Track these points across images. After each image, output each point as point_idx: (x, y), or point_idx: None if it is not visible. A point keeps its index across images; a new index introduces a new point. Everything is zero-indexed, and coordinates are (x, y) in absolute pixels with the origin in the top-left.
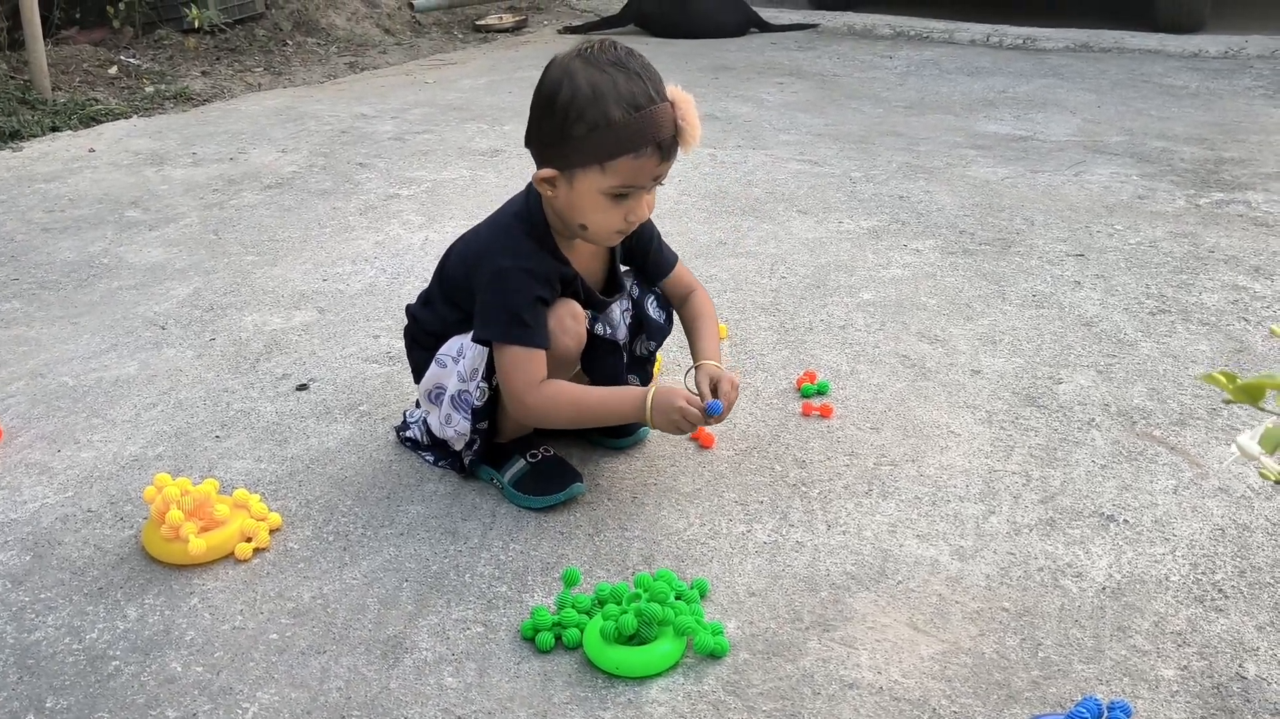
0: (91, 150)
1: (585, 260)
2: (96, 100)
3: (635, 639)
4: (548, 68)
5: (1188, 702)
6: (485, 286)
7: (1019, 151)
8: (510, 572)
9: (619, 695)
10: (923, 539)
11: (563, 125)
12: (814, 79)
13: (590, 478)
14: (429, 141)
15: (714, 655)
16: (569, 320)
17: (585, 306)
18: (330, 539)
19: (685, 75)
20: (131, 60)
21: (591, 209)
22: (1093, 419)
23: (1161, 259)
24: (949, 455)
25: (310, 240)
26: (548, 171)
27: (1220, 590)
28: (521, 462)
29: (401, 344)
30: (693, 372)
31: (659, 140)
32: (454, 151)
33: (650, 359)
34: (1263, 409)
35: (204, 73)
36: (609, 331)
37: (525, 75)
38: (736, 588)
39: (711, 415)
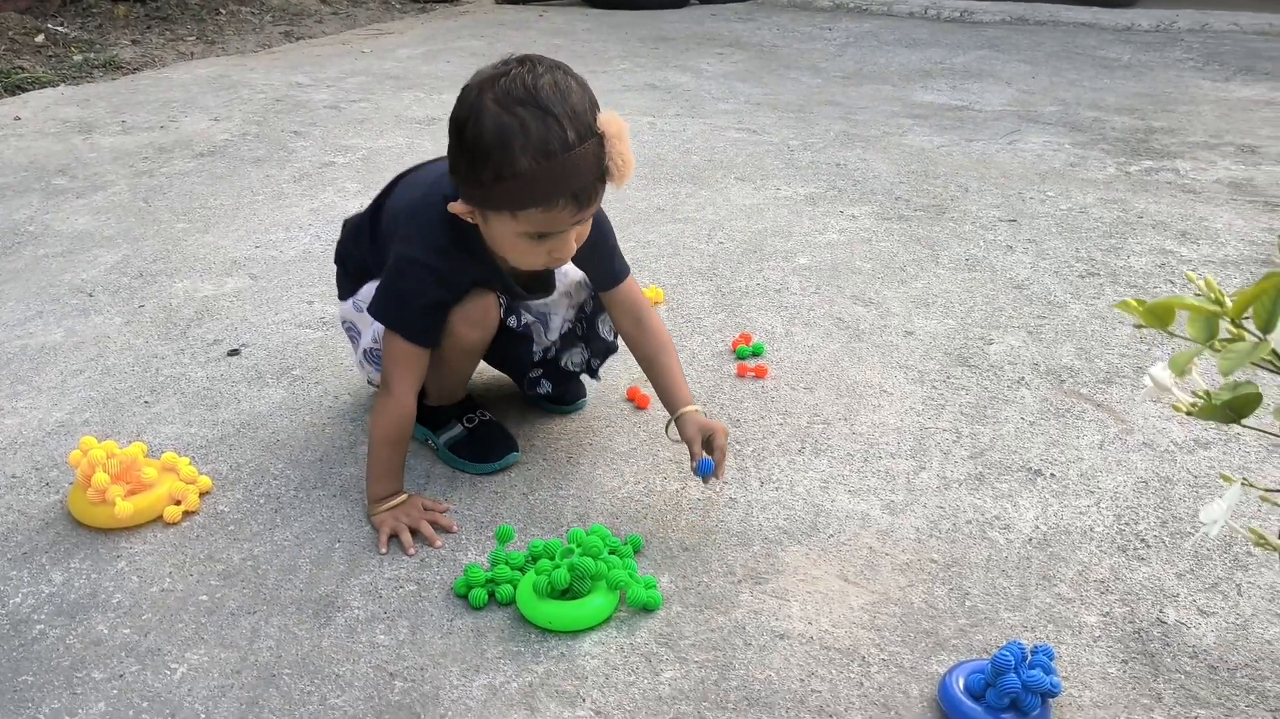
0: (17, 118)
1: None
2: (23, 69)
3: (568, 594)
4: (460, 94)
5: (1109, 646)
6: (390, 268)
7: (955, 121)
8: (444, 530)
9: (552, 649)
10: (854, 494)
11: (470, 166)
12: (753, 49)
13: (526, 439)
14: (365, 110)
15: (647, 609)
16: (477, 313)
17: (508, 294)
18: (261, 501)
19: (625, 46)
20: (59, 28)
21: (510, 248)
22: (1022, 378)
23: (1092, 224)
24: (881, 414)
25: (243, 208)
26: (462, 207)
27: (1143, 540)
28: (459, 426)
29: (337, 310)
30: (673, 424)
31: (574, 190)
32: (390, 120)
33: (576, 375)
34: (1172, 334)
35: (134, 41)
36: (523, 325)
37: (464, 45)
38: (670, 543)
39: (704, 475)
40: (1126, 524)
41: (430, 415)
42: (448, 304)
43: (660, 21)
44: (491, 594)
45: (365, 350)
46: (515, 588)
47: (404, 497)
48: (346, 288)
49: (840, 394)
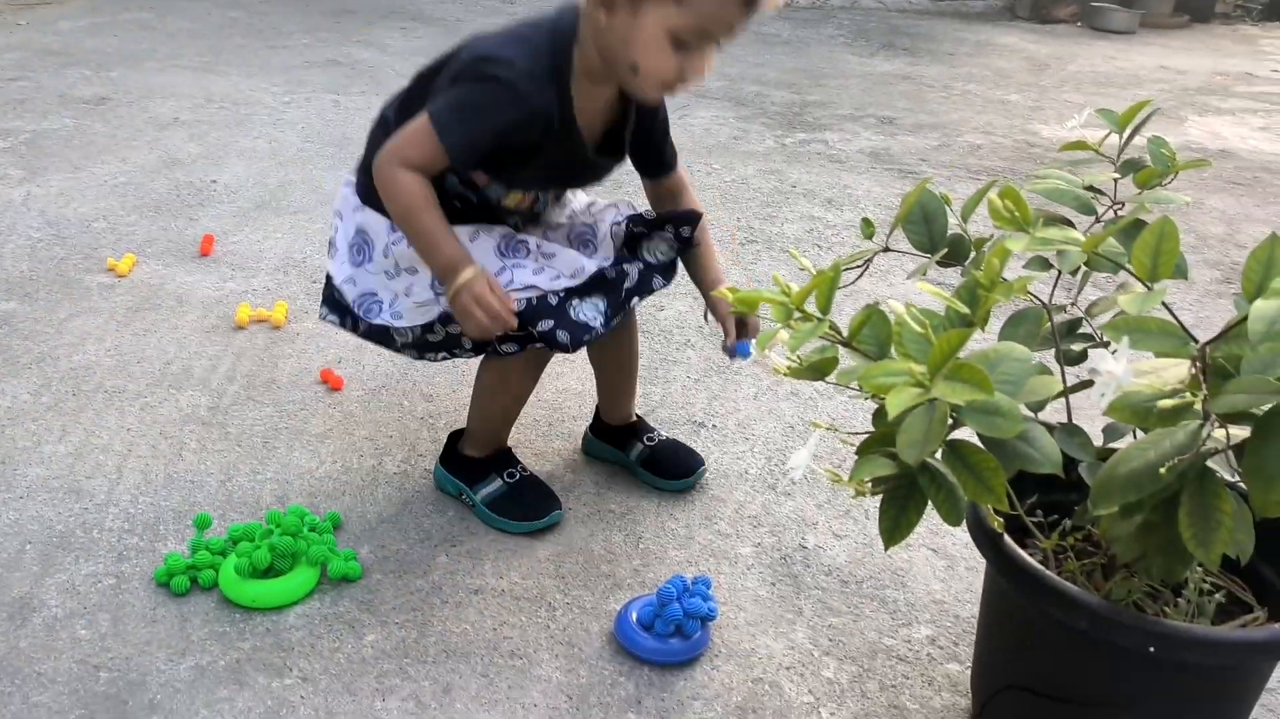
0: None
1: (589, 111)
2: None
3: (270, 572)
4: None
5: (760, 572)
6: (461, 74)
7: None
8: (141, 523)
9: (257, 626)
10: (540, 456)
11: None
12: (437, 24)
13: (220, 425)
14: (24, 89)
15: (348, 579)
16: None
17: (567, 164)
18: None
19: (305, 20)
20: None
21: (649, 49)
22: (688, 340)
23: (751, 194)
24: (564, 380)
25: None
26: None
27: (788, 478)
28: (499, 481)
29: (6, 306)
30: (708, 310)
31: None
32: (54, 100)
33: (667, 262)
34: (760, 317)
35: None
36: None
37: (132, 17)
38: (368, 516)
39: (739, 357)
40: (776, 465)
41: (466, 467)
42: (506, 135)
43: None
44: (194, 580)
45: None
46: (217, 572)
47: (474, 269)
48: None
49: None
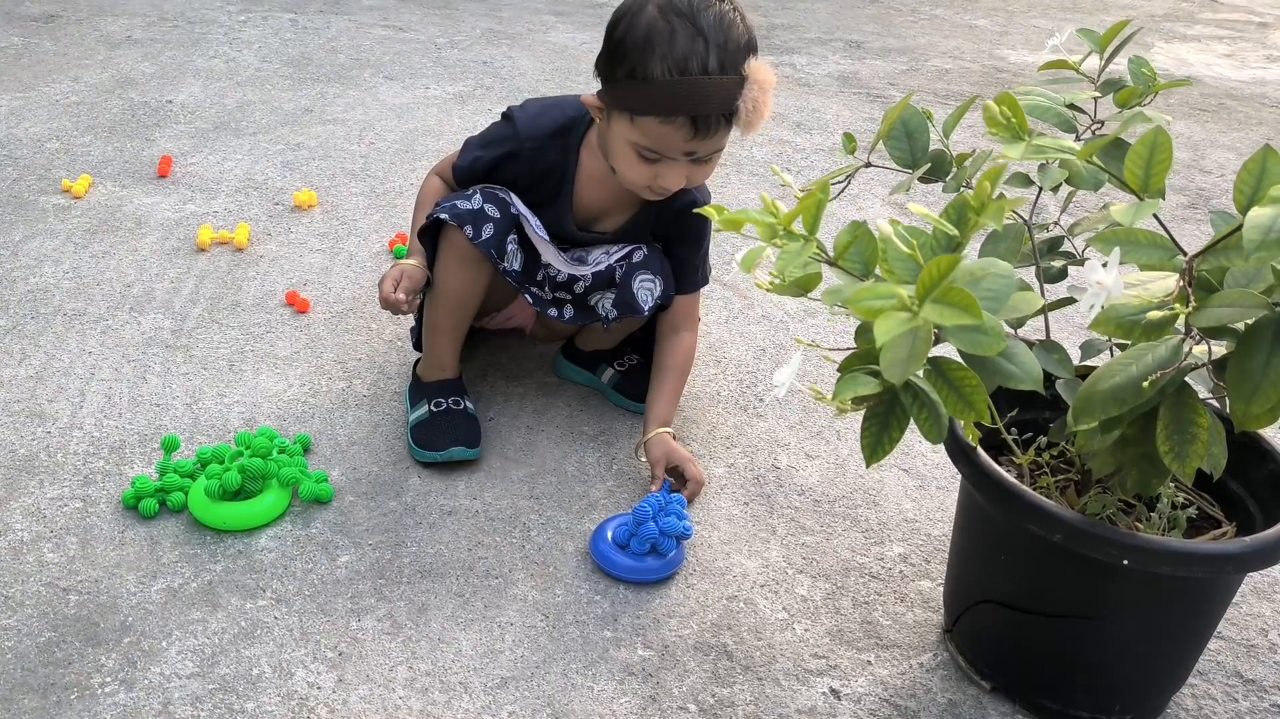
0: None
1: (596, 182)
2: None
3: (241, 494)
4: None
5: (734, 492)
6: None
7: (596, 18)
8: (106, 447)
9: (229, 548)
10: (511, 379)
11: (610, 61)
12: None
13: (184, 349)
14: None
15: (319, 501)
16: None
17: (557, 226)
18: None
19: None
20: None
21: (620, 156)
22: None
23: None
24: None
25: None
26: (593, 99)
27: (760, 400)
28: (426, 408)
29: None
30: (643, 446)
31: (694, 114)
32: (1, 17)
33: (592, 318)
34: (745, 235)
35: None
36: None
37: None
38: (339, 438)
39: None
40: (748, 387)
41: (412, 390)
42: (496, 165)
43: None
44: (162, 503)
45: None
46: (187, 494)
47: (410, 262)
48: None
49: None
